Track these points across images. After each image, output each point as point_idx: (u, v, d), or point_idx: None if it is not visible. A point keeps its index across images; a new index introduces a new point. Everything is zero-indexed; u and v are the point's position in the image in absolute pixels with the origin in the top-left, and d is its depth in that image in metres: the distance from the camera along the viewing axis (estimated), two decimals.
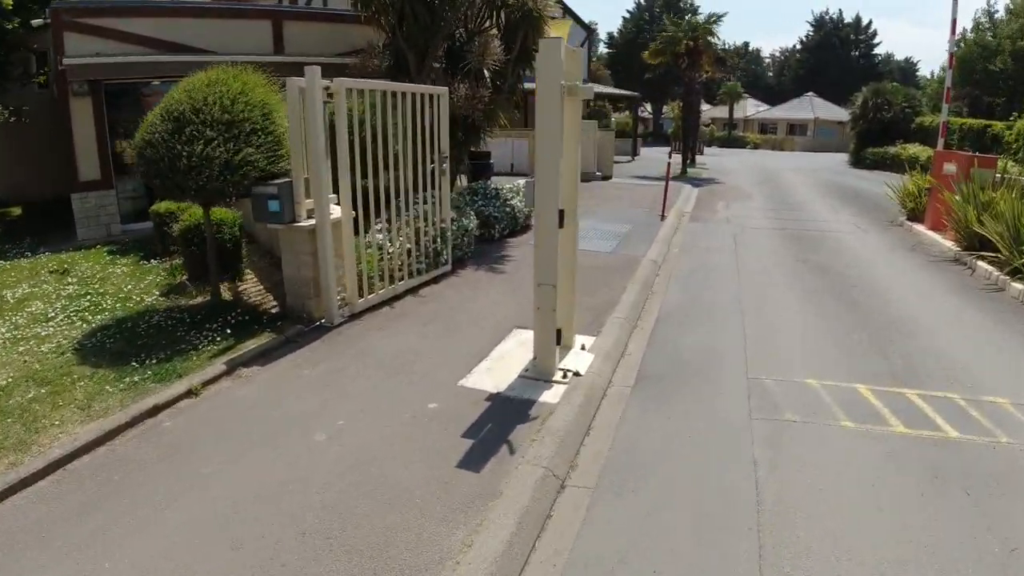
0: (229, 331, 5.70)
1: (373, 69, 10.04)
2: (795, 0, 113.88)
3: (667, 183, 12.62)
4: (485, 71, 9.54)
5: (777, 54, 70.48)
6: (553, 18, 10.07)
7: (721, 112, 48.46)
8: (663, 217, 11.97)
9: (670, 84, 39.13)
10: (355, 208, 6.21)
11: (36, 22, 10.34)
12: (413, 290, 6.97)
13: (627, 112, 35.30)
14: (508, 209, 9.71)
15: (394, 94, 6.73)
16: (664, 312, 6.45)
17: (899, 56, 68.98)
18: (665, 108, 45.40)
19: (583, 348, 5.20)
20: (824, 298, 6.98)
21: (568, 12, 27.09)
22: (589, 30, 28.94)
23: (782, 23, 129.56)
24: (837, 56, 57.44)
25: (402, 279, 6.89)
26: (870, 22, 61.37)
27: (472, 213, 8.57)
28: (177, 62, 10.98)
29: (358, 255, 6.49)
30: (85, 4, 11.09)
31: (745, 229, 11.22)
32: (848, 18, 60.29)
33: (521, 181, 14.04)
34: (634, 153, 27.49)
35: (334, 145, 5.83)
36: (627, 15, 51.60)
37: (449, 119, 9.67)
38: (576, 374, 4.71)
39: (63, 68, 10.45)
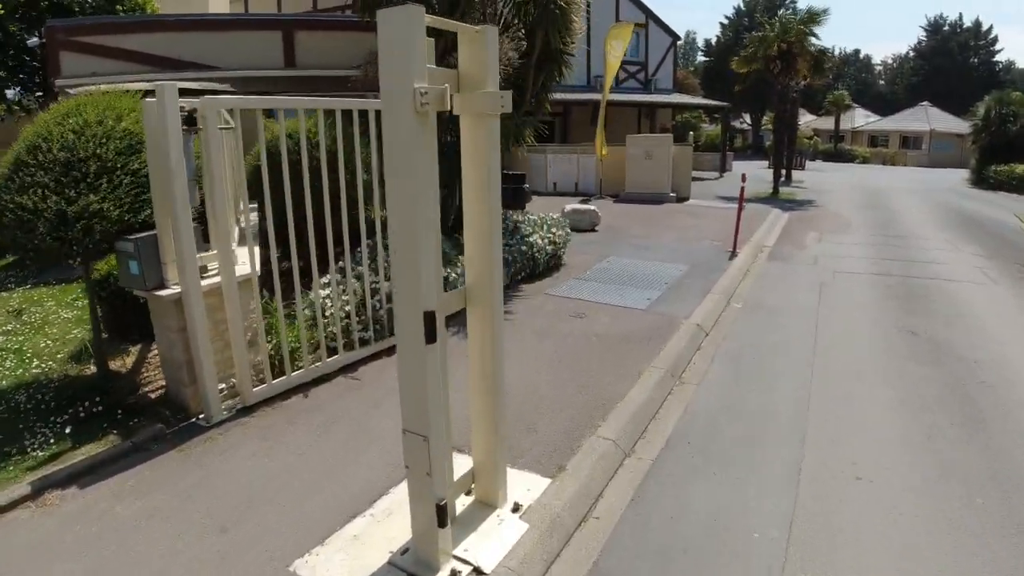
0: (72, 428, 4.31)
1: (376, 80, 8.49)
2: (907, 4, 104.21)
3: (740, 210, 10.21)
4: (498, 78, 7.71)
5: (889, 61, 64.03)
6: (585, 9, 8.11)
7: (827, 123, 43.93)
8: (733, 254, 9.61)
9: (770, 93, 35.75)
10: (300, 258, 4.73)
11: (32, 42, 9.70)
12: (350, 367, 5.23)
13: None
14: (524, 248, 7.80)
15: (329, 112, 5.10)
16: (682, 429, 4.29)
17: (1021, 64, 60.87)
18: (765, 119, 41.70)
19: (516, 509, 3.21)
20: (936, 414, 4.49)
21: (651, 17, 24.87)
22: (674, 37, 26.48)
23: (894, 28, 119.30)
24: (954, 63, 51.17)
25: (344, 351, 5.21)
26: (990, 27, 54.31)
27: (461, 261, 6.72)
28: (175, 79, 10.08)
29: (272, 324, 4.88)
30: (81, 22, 10.49)
31: (836, 275, 8.65)
32: (967, 22, 53.73)
33: (570, 205, 12.13)
34: (723, 169, 24.67)
35: (273, 179, 4.21)
36: (725, 21, 48.19)
37: (455, 143, 8.01)
38: (478, 574, 2.75)
39: (56, 90, 9.76)
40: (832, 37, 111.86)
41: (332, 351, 5.24)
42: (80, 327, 6.48)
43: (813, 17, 18.48)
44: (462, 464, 3.24)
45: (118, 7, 12.60)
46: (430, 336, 2.38)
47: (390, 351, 5.50)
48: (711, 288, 7.59)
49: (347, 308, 5.27)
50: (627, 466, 3.77)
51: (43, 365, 5.59)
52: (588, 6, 23.78)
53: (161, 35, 10.10)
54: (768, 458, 3.88)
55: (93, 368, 5.30)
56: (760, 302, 7.35)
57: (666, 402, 4.64)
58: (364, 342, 5.39)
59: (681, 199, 16.79)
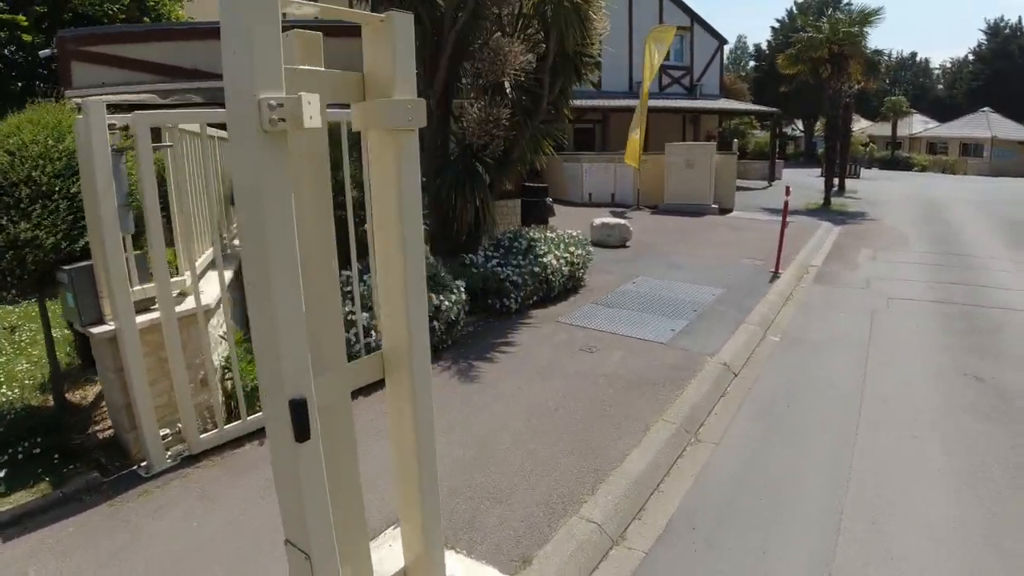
0: (8, 471, 3.87)
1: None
2: (966, 6, 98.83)
3: (783, 227, 9.27)
4: (507, 84, 7.09)
5: (948, 65, 60.56)
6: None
7: (884, 129, 41.63)
8: (775, 275, 8.71)
9: (822, 97, 34.06)
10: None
11: (43, 53, 9.59)
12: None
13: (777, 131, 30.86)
14: (536, 269, 7.12)
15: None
16: (689, 507, 3.51)
17: None
18: (818, 125, 39.81)
19: None
20: (1004, 494, 3.63)
21: (697, 20, 23.90)
22: (721, 40, 25.36)
23: (952, 31, 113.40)
24: (1016, 67, 47.72)
25: None
26: None
27: (459, 286, 6.08)
28: (184, 89, 9.83)
29: (224, 366, 4.38)
30: (91, 31, 10.34)
31: (890, 302, 7.66)
32: None
33: (599, 219, 11.38)
34: (771, 178, 23.39)
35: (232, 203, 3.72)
36: (776, 24, 46.38)
37: (461, 155, 7.42)
38: None
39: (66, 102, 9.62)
40: (887, 40, 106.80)
41: None
42: (66, 349, 6.14)
43: (866, 17, 17.19)
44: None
45: (145, 19, 12.52)
46: (301, 432, 1.75)
47: (367, 389, 4.92)
48: (746, 317, 6.75)
49: None
50: (612, 559, 3.04)
51: (10, 393, 5.21)
52: (629, 9, 23.04)
53: (172, 44, 9.84)
54: (791, 552, 3.10)
55: (40, 400, 4.90)
56: (801, 335, 6.47)
57: (675, 467, 3.89)
58: None
59: (724, 211, 15.80)
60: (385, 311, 2.21)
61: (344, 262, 3.43)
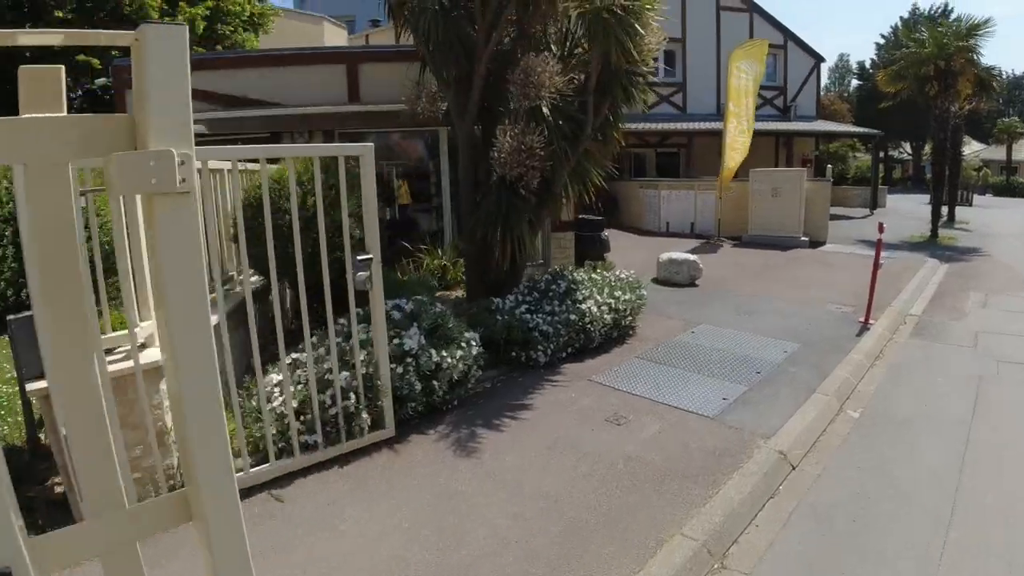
0: None
1: (427, 115, 7.56)
2: None
3: (875, 269, 7.97)
4: (544, 109, 6.39)
5: None
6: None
7: (999, 153, 37.46)
8: (865, 326, 7.47)
9: (929, 118, 31.12)
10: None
11: (100, 81, 9.90)
12: (283, 480, 4.09)
13: (881, 154, 28.32)
14: (573, 317, 6.33)
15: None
16: None
17: None
18: (926, 148, 36.42)
19: None
20: None
21: (791, 37, 22.37)
22: (817, 59, 23.56)
23: None
24: None
25: (280, 458, 4.13)
26: None
27: (472, 338, 5.39)
28: (235, 118, 9.85)
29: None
30: None
31: (1001, 366, 6.25)
32: None
33: (667, 254, 10.39)
34: (874, 205, 21.29)
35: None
36: (881, 39, 43.12)
37: (496, 188, 6.77)
38: None
39: None
40: (1001, 58, 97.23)
41: (282, 453, 4.18)
42: None
43: (973, 29, 15.18)
44: None
45: (218, 46, 12.85)
46: None
47: (342, 460, 4.32)
48: (820, 384, 5.64)
49: (289, 403, 4.17)
50: None
51: (3, 428, 5.04)
52: (717, 29, 21.81)
53: (224, 72, 9.91)
54: None
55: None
56: (888, 409, 5.30)
57: None
58: (309, 447, 4.25)
59: (815, 244, 14.30)
60: (178, 435, 1.56)
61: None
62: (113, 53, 12.85)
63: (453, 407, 5.21)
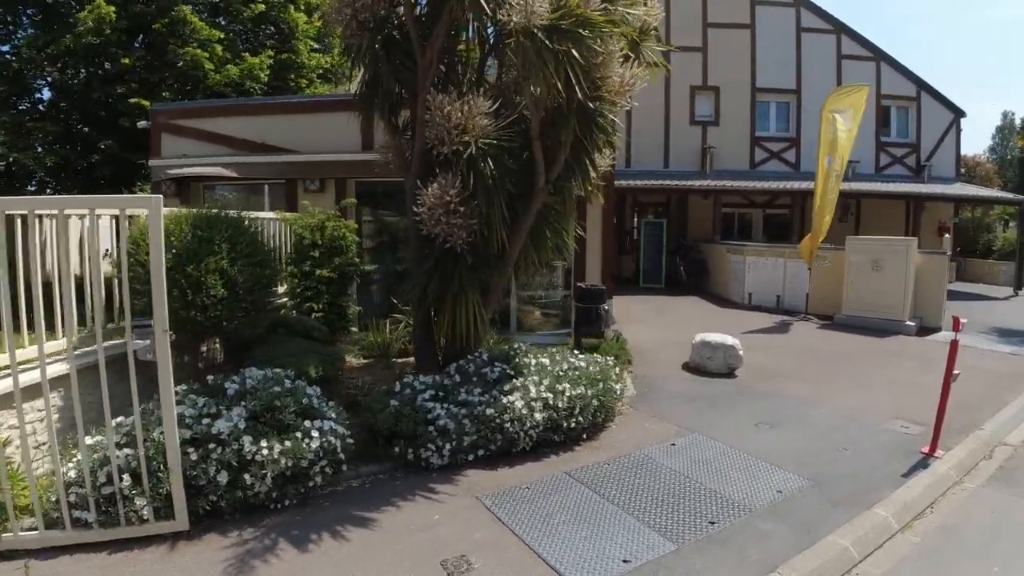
0: None
1: (397, 165, 6.75)
2: None
3: (948, 373, 5.83)
4: (473, 154, 5.25)
5: None
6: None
7: None
8: (926, 458, 5.42)
9: None
10: None
11: (141, 124, 10.24)
12: (41, 553, 3.53)
13: None
14: (490, 412, 5.01)
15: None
16: None
17: None
18: None
19: None
20: None
21: (924, 88, 19.53)
22: (956, 112, 20.21)
23: None
24: None
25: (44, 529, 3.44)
26: None
27: (321, 426, 4.31)
28: (252, 163, 9.76)
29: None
30: (181, 105, 11.13)
31: None
32: None
33: (703, 336, 8.61)
34: (1019, 285, 17.45)
35: None
36: None
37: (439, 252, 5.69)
38: None
39: (147, 169, 10.27)
40: None
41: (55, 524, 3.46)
42: None
43: None
44: None
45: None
46: None
47: (116, 546, 3.49)
48: (791, 558, 3.85)
49: (60, 473, 3.35)
50: None
51: None
52: (838, 80, 19.37)
53: (246, 119, 9.88)
54: None
55: None
56: None
57: None
58: (82, 523, 3.46)
59: (926, 330, 11.60)
60: None
61: None
62: (164, 95, 13.68)
63: (285, 506, 4.20)
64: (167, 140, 10.02)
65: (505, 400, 5.10)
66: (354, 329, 8.55)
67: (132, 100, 12.99)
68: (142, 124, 10.40)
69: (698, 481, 4.84)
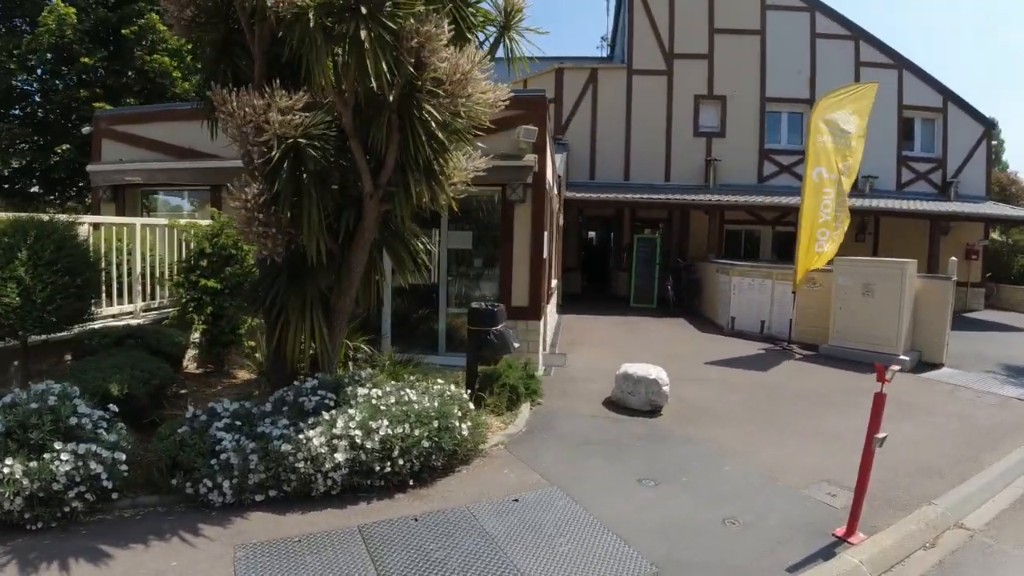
0: None
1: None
2: None
3: (871, 433, 4.74)
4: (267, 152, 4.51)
5: None
6: None
7: None
8: (837, 544, 4.41)
9: None
10: None
11: (86, 130, 10.07)
12: None
13: None
14: (286, 448, 4.24)
15: None
16: None
17: None
18: None
19: None
20: None
21: (951, 99, 18.01)
22: (987, 125, 18.52)
23: None
24: None
25: None
26: None
27: (81, 448, 3.74)
28: (183, 169, 9.41)
29: None
30: (121, 111, 11.02)
31: None
32: None
33: (628, 367, 7.63)
34: None
35: None
36: None
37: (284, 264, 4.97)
38: None
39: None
40: None
41: None
42: None
43: None
44: None
45: None
46: None
47: None
48: None
49: None
50: None
51: None
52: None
53: (178, 124, 9.50)
54: None
55: None
56: None
57: None
58: None
59: (925, 365, 10.29)
60: None
61: None
62: (129, 100, 13.47)
63: (41, 528, 3.88)
64: (107, 145, 9.80)
65: (303, 436, 4.32)
66: (251, 343, 7.90)
67: (97, 104, 12.84)
68: (86, 129, 10.23)
69: (508, 558, 3.91)
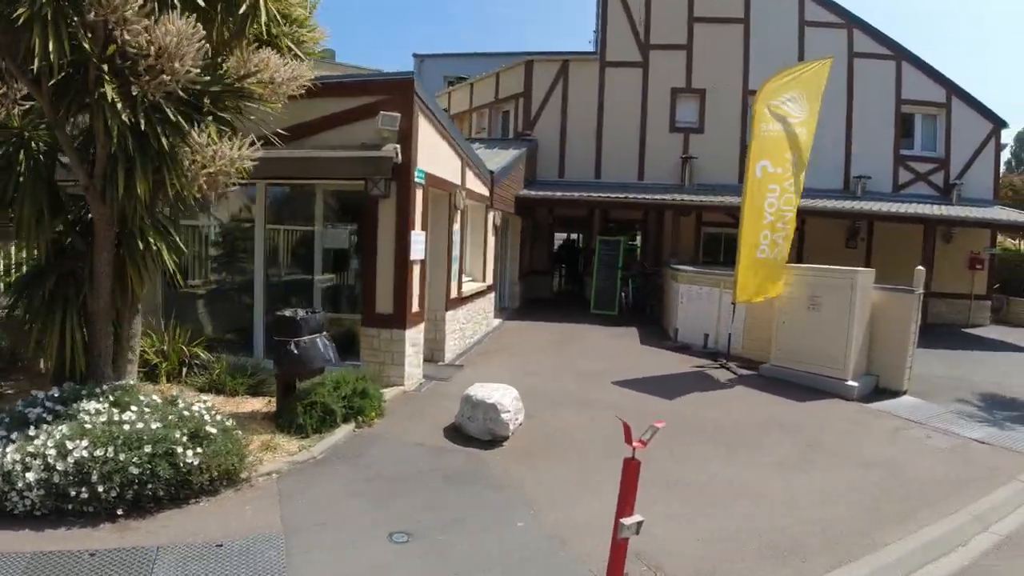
0: None
1: None
2: None
3: (624, 511, 3.51)
4: None
5: None
6: None
7: None
8: None
9: None
10: None
11: None
12: None
13: None
14: None
15: None
16: None
17: None
18: None
19: None
20: None
21: (956, 92, 16.37)
22: (997, 123, 16.69)
23: None
24: None
25: None
26: None
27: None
28: None
29: None
30: None
31: None
32: None
33: (475, 390, 6.48)
34: None
35: None
36: None
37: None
38: None
39: None
40: None
41: None
42: None
43: None
44: None
45: None
46: None
47: None
48: None
49: None
50: None
51: None
52: (848, 84, 16.32)
53: None
54: None
55: None
56: None
57: None
58: None
59: (880, 393, 8.90)
60: None
61: None
62: None
63: None
64: None
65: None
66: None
67: None
68: None
69: None
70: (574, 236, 23.30)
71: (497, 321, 13.58)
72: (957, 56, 70.54)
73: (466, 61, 25.54)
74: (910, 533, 4.69)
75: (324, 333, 6.42)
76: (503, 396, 6.17)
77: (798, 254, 17.46)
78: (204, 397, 5.50)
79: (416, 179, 7.87)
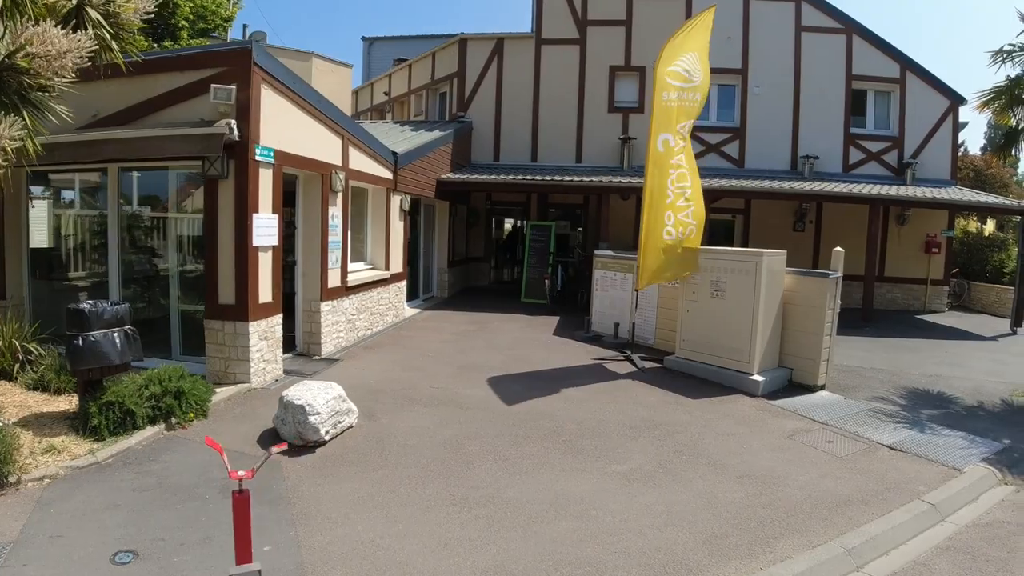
0: None
1: None
2: None
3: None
4: None
5: None
6: None
7: None
8: None
9: None
10: None
11: None
12: None
13: None
14: None
15: None
16: None
17: None
18: None
19: None
20: None
21: (911, 68, 15.49)
22: (954, 99, 15.74)
23: None
24: None
25: None
26: None
27: None
28: None
29: None
30: None
31: None
32: None
33: (290, 392, 5.58)
34: (1017, 320, 12.98)
35: None
36: None
37: None
38: None
39: None
40: None
41: None
42: None
43: None
44: None
45: None
46: None
47: None
48: None
49: None
50: None
51: None
52: (796, 59, 15.39)
53: None
54: None
55: None
56: None
57: None
58: None
59: (791, 389, 8.05)
60: None
61: None
62: None
63: None
64: None
65: None
66: None
67: None
68: None
69: None
70: (520, 223, 22.33)
71: (413, 311, 12.69)
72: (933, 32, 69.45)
73: (416, 43, 24.48)
74: (752, 573, 3.78)
75: (127, 327, 5.58)
76: (315, 397, 5.31)
77: (744, 239, 16.61)
78: (24, 396, 5.40)
79: (259, 157, 6.97)
